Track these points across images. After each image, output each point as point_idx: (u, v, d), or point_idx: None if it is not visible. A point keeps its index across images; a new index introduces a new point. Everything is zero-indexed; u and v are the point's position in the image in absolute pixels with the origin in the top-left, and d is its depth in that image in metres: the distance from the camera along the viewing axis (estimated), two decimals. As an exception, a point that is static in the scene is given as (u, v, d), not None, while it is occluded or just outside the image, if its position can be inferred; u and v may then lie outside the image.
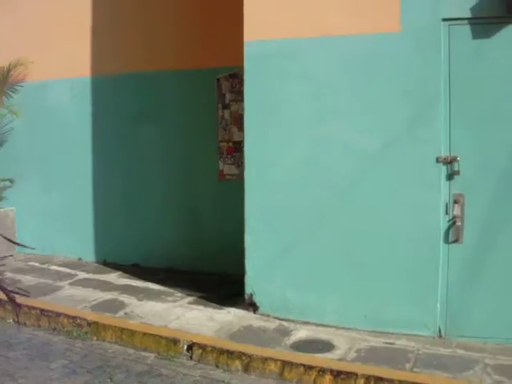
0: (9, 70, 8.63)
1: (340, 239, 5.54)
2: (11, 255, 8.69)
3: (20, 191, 8.74)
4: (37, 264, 8.20)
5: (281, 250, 5.75)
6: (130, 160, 7.94)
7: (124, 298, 6.58)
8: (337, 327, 5.56)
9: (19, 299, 6.36)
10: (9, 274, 7.63)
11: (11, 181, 8.75)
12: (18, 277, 7.55)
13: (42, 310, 6.31)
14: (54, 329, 6.11)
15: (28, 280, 7.39)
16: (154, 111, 7.70)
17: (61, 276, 7.54)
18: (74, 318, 6.06)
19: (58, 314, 6.15)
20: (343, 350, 5.13)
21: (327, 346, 5.23)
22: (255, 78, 5.77)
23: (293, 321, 5.75)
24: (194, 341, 5.40)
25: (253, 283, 5.91)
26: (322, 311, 5.66)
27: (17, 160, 8.81)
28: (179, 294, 6.66)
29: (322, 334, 5.49)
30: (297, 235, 5.69)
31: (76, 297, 6.67)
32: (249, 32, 5.75)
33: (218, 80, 7.20)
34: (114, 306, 6.31)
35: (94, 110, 8.16)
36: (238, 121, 6.87)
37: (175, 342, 5.43)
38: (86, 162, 8.21)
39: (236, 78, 6.99)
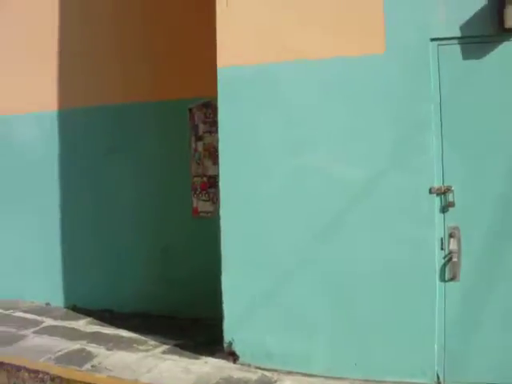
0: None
1: (326, 280, 5.04)
2: (-26, 301, 8.32)
3: (-16, 231, 8.41)
4: (0, 310, 7.54)
5: (261, 293, 5.22)
6: (100, 198, 7.43)
7: (92, 347, 5.98)
8: (325, 377, 5.03)
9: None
10: (-32, 322, 7.23)
11: (-27, 222, 8.33)
12: (-21, 325, 7.14)
13: (1, 364, 5.68)
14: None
15: (-11, 329, 6.99)
16: (125, 145, 7.23)
17: (26, 323, 6.90)
18: (35, 372, 5.46)
19: (19, 368, 5.55)
20: (334, 404, 4.65)
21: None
22: (230, 106, 5.31)
23: (276, 370, 5.19)
24: (163, 397, 4.93)
25: (232, 330, 5.36)
26: (308, 360, 5.13)
27: (-21, 200, 8.49)
28: (152, 342, 6.07)
29: (309, 386, 5.08)
30: (278, 276, 5.16)
31: (40, 347, 6.07)
32: (222, 58, 5.31)
33: (191, 110, 6.75)
34: (80, 358, 5.72)
35: (63, 146, 7.65)
36: (213, 154, 6.44)
37: (146, 399, 4.97)
38: (54, 201, 7.67)
39: (209, 107, 6.55)
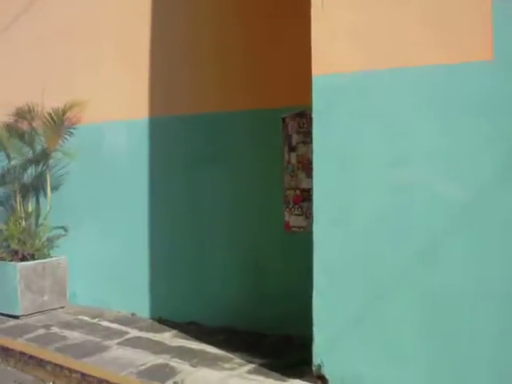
0: (64, 112, 8.12)
1: (425, 304, 4.60)
2: (62, 307, 8.08)
3: (73, 238, 8.18)
4: (87, 318, 7.56)
5: (354, 314, 4.86)
6: (190, 209, 7.27)
7: (176, 363, 5.78)
8: (422, 412, 4.75)
9: (60, 359, 6.02)
10: (55, 329, 7.07)
11: (65, 229, 8.20)
12: (65, 332, 6.94)
13: (82, 375, 5.66)
14: (96, 397, 5.58)
15: (74, 337, 6.74)
16: (219, 155, 7.04)
17: (110, 333, 6.84)
18: (117, 386, 5.52)
19: (101, 381, 5.50)
20: None
21: None
22: (324, 116, 4.97)
23: (368, 398, 4.99)
24: (255, 423, 4.65)
25: (322, 353, 5.00)
26: (404, 390, 4.90)
27: (71, 206, 8.31)
28: (238, 361, 5.81)
29: (405, 420, 4.64)
30: (373, 299, 4.80)
31: (123, 359, 5.94)
32: (317, 66, 4.97)
33: (284, 120, 6.48)
34: (163, 373, 5.53)
35: (155, 154, 7.56)
36: (306, 166, 6.12)
37: (229, 423, 4.72)
38: (144, 208, 7.58)
39: (304, 117, 6.22)
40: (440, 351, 4.63)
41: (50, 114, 8.19)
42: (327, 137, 5.04)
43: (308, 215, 6.20)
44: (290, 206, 6.47)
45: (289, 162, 6.49)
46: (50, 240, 8.33)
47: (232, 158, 7.00)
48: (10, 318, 7.70)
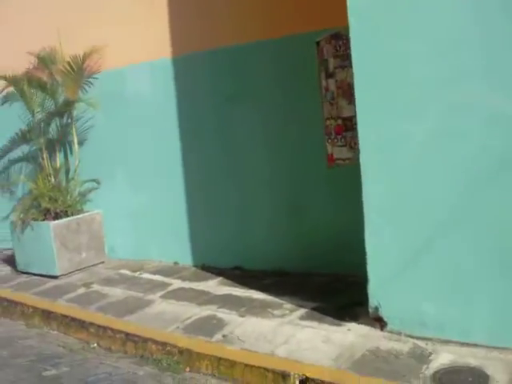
0: (83, 60, 7.73)
1: (489, 234, 4.18)
2: (102, 262, 7.89)
3: (106, 192, 7.95)
4: (128, 272, 7.36)
5: (411, 250, 4.47)
6: (224, 149, 6.90)
7: (223, 313, 5.53)
8: (488, 347, 4.24)
9: (103, 320, 5.78)
10: (96, 287, 6.87)
11: (97, 182, 7.97)
12: (106, 289, 6.76)
13: (126, 334, 5.41)
14: (142, 356, 5.19)
15: (116, 294, 6.56)
16: (248, 89, 6.59)
17: (152, 286, 6.62)
18: (163, 344, 5.11)
19: (145, 340, 5.24)
20: (504, 384, 3.97)
21: (480, 378, 3.92)
22: (364, 34, 4.47)
23: (430, 339, 4.45)
24: (308, 375, 4.24)
25: (378, 294, 4.66)
26: (467, 327, 4.35)
27: (100, 158, 8.01)
28: (288, 306, 5.52)
29: (470, 359, 4.17)
30: (433, 231, 4.38)
31: (167, 314, 5.71)
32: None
33: (318, 44, 5.93)
34: (210, 326, 5.29)
35: (182, 95, 7.14)
36: (347, 92, 5.61)
37: (284, 376, 4.30)
38: (175, 154, 7.22)
39: (340, 39, 5.72)
40: (505, 287, 4.21)
41: (68, 63, 7.82)
42: (368, 59, 4.54)
43: (353, 145, 5.78)
44: (332, 137, 5.98)
45: (327, 90, 5.98)
46: (82, 195, 8.11)
47: (261, 92, 6.54)
48: (50, 279, 7.53)
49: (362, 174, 4.60)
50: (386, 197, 4.56)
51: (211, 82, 6.95)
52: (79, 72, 7.82)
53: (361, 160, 4.61)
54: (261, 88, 6.54)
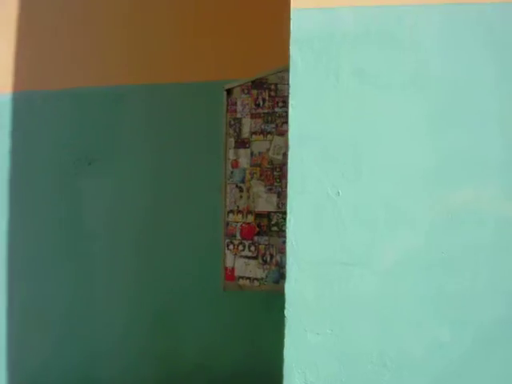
0: None
1: None
2: None
3: None
4: None
5: None
6: (69, 237, 4.83)
7: None
8: None
9: None
10: None
11: None
12: None
13: None
14: None
15: None
16: (115, 150, 4.66)
17: None
18: None
19: None
20: None
21: None
22: (315, 76, 3.01)
23: None
24: None
25: None
26: None
27: None
28: None
29: None
30: None
31: None
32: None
33: (230, 93, 4.06)
34: None
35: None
36: (268, 173, 3.95)
37: None
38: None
39: (265, 88, 3.96)
40: None
41: None
42: (313, 118, 3.06)
43: (268, 259, 4.01)
44: (237, 243, 4.10)
45: (235, 166, 4.12)
46: None
47: (132, 158, 4.64)
48: None
49: (287, 315, 2.94)
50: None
51: (58, 132, 5.15)
52: None
53: (286, 288, 2.97)
54: (133, 151, 4.63)
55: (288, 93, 2.78)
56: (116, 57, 4.84)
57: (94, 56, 4.91)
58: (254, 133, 3.99)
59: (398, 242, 2.66)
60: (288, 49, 3.07)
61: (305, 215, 2.80)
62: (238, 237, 4.03)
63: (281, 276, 3.64)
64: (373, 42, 2.78)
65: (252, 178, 4.00)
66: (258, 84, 3.94)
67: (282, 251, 3.57)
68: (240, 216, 4.04)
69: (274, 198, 3.55)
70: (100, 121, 4.76)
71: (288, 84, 2.86)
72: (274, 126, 3.60)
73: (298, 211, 2.80)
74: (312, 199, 2.77)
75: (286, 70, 3.15)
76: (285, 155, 3.89)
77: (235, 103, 4.04)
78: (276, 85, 3.49)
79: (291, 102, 2.84)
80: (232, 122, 4.06)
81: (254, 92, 3.97)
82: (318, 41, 2.84)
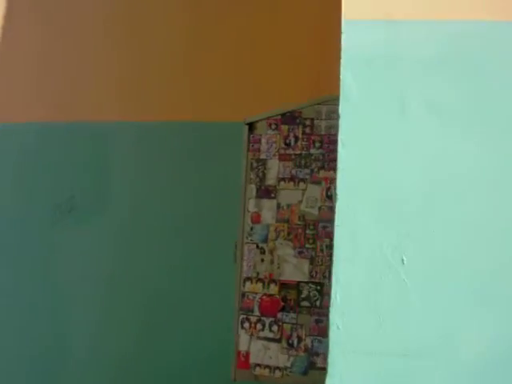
0: None
1: None
2: None
3: None
4: None
5: None
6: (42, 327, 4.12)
7: None
8: None
9: None
10: None
11: None
12: None
13: None
14: None
15: None
16: (105, 199, 3.99)
17: None
18: None
19: None
20: None
21: None
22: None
23: None
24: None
25: None
26: None
27: None
28: None
29: None
30: None
31: None
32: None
33: (252, 128, 3.28)
34: None
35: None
36: (298, 232, 3.18)
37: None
38: None
39: (299, 122, 3.22)
40: None
41: None
42: (371, 160, 2.48)
43: (295, 343, 3.19)
44: (254, 320, 3.31)
45: (256, 221, 3.35)
46: None
47: (118, 209, 3.97)
48: None
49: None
50: None
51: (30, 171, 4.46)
52: None
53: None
54: (125, 200, 3.94)
55: (337, 126, 2.24)
56: (106, 91, 4.30)
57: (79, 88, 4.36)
58: (283, 179, 3.30)
59: (484, 327, 2.17)
60: (331, 75, 2.57)
61: (356, 289, 2.24)
62: (257, 312, 3.28)
63: (310, 365, 2.92)
64: (452, 67, 2.28)
65: (278, 237, 3.29)
66: (289, 118, 3.28)
67: (314, 333, 2.89)
68: (260, 285, 3.29)
69: (306, 265, 2.89)
70: (86, 160, 4.13)
71: (336, 115, 2.31)
72: (308, 171, 2.97)
73: (347, 284, 2.23)
74: (366, 268, 2.21)
75: (326, 101, 2.61)
76: (321, 209, 3.23)
77: (259, 141, 3.34)
78: (312, 120, 2.91)
79: (341, 137, 2.29)
80: (254, 165, 3.35)
81: (284, 128, 3.29)
82: (380, 62, 2.33)
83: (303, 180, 3.19)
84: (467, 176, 2.16)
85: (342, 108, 2.31)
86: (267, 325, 3.25)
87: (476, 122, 2.18)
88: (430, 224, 2.14)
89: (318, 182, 3.04)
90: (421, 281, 2.13)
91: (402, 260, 2.14)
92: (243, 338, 3.30)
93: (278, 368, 3.23)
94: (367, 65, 2.25)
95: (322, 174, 3.04)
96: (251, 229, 3.28)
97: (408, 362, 2.12)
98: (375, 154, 2.23)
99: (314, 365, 2.87)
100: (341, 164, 2.27)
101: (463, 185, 2.17)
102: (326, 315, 2.45)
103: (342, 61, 2.28)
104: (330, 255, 2.86)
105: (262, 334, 3.27)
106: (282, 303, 3.24)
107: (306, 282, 3.00)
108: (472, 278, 2.13)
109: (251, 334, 3.28)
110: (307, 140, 3.19)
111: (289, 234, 3.19)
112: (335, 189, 2.24)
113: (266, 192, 3.31)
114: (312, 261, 3.02)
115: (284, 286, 3.21)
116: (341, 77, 2.28)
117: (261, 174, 3.32)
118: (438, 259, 2.12)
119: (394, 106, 2.25)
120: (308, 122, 3.17)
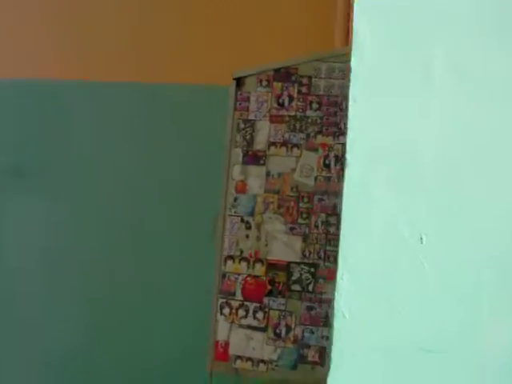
0: None
1: None
2: None
3: None
4: None
5: None
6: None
7: None
8: None
9: None
10: None
11: None
12: None
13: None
14: None
15: None
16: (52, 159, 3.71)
17: None
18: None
19: None
20: None
21: None
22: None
23: None
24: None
25: None
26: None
27: None
28: None
29: None
30: None
31: None
32: None
33: (239, 83, 2.88)
34: None
35: None
36: (290, 205, 2.83)
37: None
38: None
39: (294, 80, 2.85)
40: None
41: None
42: (387, 123, 2.18)
43: (281, 332, 2.83)
44: (235, 306, 2.93)
45: (241, 191, 2.95)
46: None
47: (79, 175, 3.65)
48: None
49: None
50: None
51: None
52: None
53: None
54: (87, 164, 3.60)
55: (347, 81, 1.96)
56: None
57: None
58: (274, 144, 2.92)
59: (512, 319, 1.92)
60: (333, 28, 2.29)
61: (366, 272, 1.99)
62: (239, 296, 2.91)
63: (300, 359, 2.62)
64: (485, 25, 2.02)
65: (266, 209, 2.92)
66: (284, 75, 2.90)
67: (305, 322, 2.59)
68: (244, 265, 2.91)
69: (298, 243, 2.56)
70: (37, 119, 3.74)
71: (337, 74, 2.03)
72: (303, 136, 2.64)
73: (356, 266, 2.00)
74: (379, 248, 1.93)
75: (327, 58, 2.30)
76: (317, 180, 2.91)
77: (247, 99, 2.96)
78: (310, 78, 2.56)
79: (352, 94, 2.01)
80: (241, 126, 2.96)
81: (277, 85, 2.92)
82: (403, 12, 2.06)
83: (297, 146, 2.82)
84: (497, 149, 1.92)
85: (354, 60, 2.06)
86: (251, 311, 2.88)
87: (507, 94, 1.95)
88: (455, 198, 1.90)
89: (314, 149, 2.69)
90: (441, 264, 1.88)
91: (421, 239, 1.89)
92: (222, 325, 2.91)
93: (262, 361, 2.86)
94: (387, 14, 2.01)
95: (320, 139, 2.70)
96: (235, 199, 2.90)
97: (425, 358, 1.88)
98: (392, 116, 1.97)
99: (304, 358, 2.57)
100: (351, 125, 2.01)
101: (492, 157, 1.93)
102: (320, 301, 2.18)
103: (355, 7, 2.03)
104: (326, 233, 2.57)
105: (244, 322, 2.89)
106: (269, 286, 2.87)
107: (298, 263, 2.64)
108: (500, 263, 1.90)
109: (232, 322, 2.89)
110: (303, 100, 2.82)
111: (279, 206, 2.83)
112: (344, 153, 1.98)
113: (253, 158, 2.94)
114: (305, 238, 2.65)
115: (272, 266, 2.84)
116: (353, 25, 2.04)
117: (248, 137, 2.93)
118: (462, 240, 1.88)
119: (416, 64, 2.02)
120: (305, 81, 2.79)
